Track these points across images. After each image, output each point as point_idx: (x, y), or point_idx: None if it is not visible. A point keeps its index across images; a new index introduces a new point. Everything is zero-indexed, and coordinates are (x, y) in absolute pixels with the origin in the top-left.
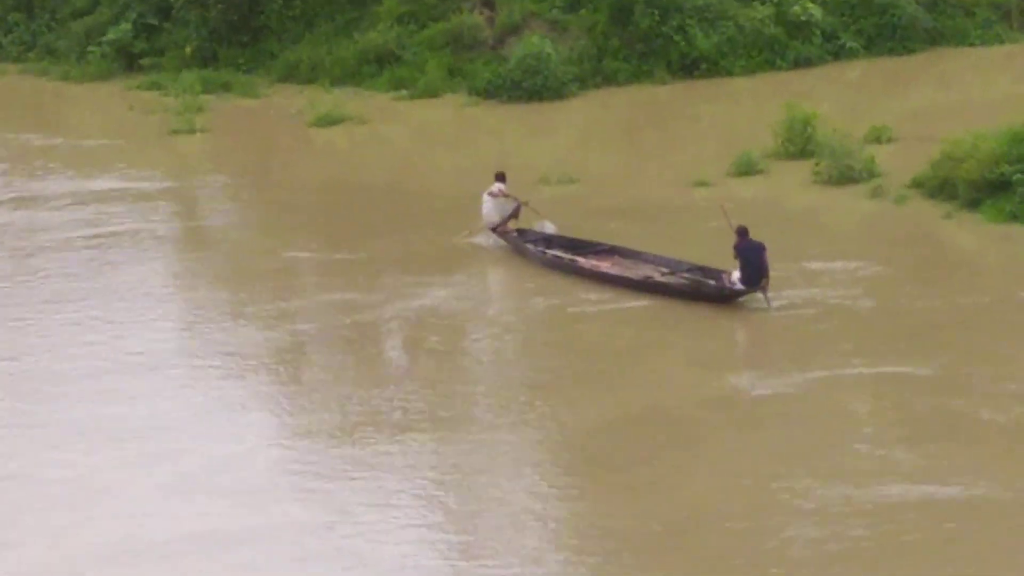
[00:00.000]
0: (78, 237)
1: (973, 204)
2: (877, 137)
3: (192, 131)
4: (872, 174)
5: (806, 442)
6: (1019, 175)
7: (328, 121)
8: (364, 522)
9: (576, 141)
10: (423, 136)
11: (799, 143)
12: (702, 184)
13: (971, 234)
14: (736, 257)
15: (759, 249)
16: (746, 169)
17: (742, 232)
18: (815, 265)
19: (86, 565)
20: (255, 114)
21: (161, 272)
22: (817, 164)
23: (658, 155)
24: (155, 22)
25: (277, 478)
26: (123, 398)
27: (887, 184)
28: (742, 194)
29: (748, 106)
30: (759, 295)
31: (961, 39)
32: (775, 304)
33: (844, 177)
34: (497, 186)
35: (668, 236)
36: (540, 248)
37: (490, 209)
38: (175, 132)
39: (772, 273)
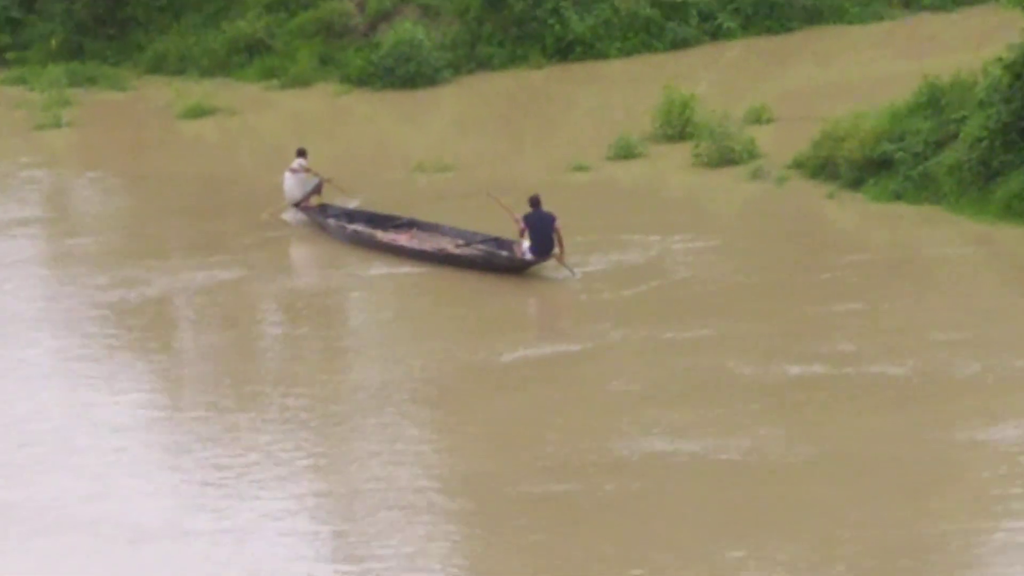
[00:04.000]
0: None
1: (855, 183)
2: (756, 118)
3: (58, 125)
4: (752, 155)
5: (562, 404)
6: (901, 153)
7: (197, 113)
8: (124, 491)
9: (451, 128)
10: (295, 126)
11: (677, 125)
12: (581, 169)
13: (851, 213)
14: (524, 227)
15: (549, 220)
16: (625, 153)
17: (534, 202)
18: (652, 239)
19: None
20: (123, 107)
21: None
22: (696, 147)
23: (535, 140)
24: (19, 15)
25: (40, 452)
26: None
27: (768, 165)
28: (621, 178)
29: (625, 89)
30: (559, 267)
31: (839, 16)
32: (579, 273)
33: (724, 159)
34: (298, 162)
35: None
36: (341, 223)
37: (292, 185)
38: (40, 127)
39: (605, 241)
